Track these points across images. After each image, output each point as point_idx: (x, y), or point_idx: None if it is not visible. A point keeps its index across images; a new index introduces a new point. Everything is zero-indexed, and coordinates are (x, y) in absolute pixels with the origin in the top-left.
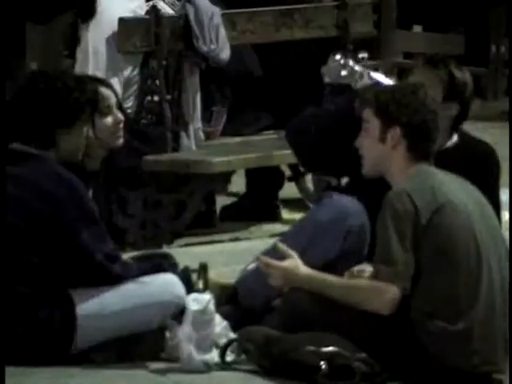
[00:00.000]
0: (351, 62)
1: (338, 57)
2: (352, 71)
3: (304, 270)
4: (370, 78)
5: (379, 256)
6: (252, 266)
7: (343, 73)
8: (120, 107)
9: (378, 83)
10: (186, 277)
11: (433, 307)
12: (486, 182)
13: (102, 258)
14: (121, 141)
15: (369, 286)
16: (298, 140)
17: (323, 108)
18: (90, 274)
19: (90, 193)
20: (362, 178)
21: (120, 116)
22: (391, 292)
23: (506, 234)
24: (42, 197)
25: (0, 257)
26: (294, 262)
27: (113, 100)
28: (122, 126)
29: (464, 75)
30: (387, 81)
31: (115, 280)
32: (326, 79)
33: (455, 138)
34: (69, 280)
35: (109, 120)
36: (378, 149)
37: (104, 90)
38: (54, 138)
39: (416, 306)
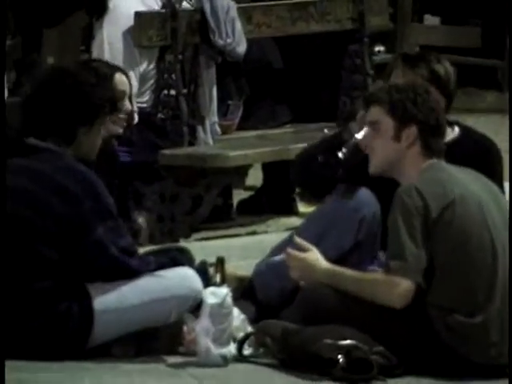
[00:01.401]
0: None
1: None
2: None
3: (324, 263)
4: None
5: (390, 251)
6: (277, 258)
7: None
8: (129, 99)
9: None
10: (203, 270)
11: (450, 302)
12: (488, 178)
13: (118, 253)
14: (120, 130)
15: (383, 280)
16: (305, 178)
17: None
18: (106, 269)
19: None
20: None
21: (128, 105)
22: (404, 285)
23: None
24: (59, 192)
25: (8, 250)
26: (315, 255)
27: (127, 89)
28: (125, 115)
29: (446, 68)
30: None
31: (132, 275)
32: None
33: (456, 131)
34: (87, 275)
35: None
36: (392, 148)
37: (122, 77)
38: (74, 135)
39: (433, 300)
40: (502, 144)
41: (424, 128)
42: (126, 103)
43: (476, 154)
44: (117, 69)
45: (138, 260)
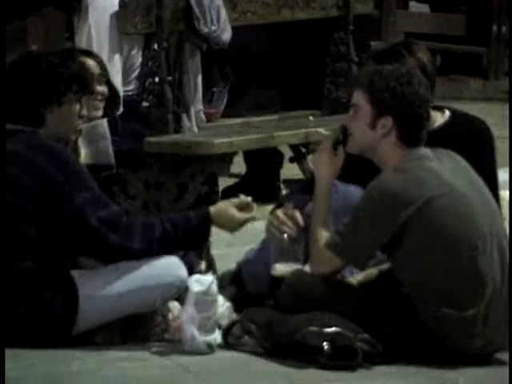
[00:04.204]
0: None
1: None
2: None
3: None
4: None
5: (342, 224)
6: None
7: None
8: (107, 81)
9: None
10: (188, 258)
11: (436, 296)
12: (482, 158)
13: (98, 224)
14: (98, 113)
15: (319, 248)
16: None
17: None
18: (85, 242)
19: None
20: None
21: (102, 89)
22: (327, 259)
23: (506, 213)
24: (33, 169)
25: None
26: None
27: (95, 72)
28: (100, 98)
29: (420, 59)
30: None
31: (112, 250)
32: None
33: (447, 115)
34: (67, 251)
35: None
36: (368, 134)
37: (88, 61)
38: (42, 115)
39: (419, 294)
40: None
41: (400, 120)
42: (101, 87)
43: (469, 134)
44: (88, 53)
45: (121, 233)
